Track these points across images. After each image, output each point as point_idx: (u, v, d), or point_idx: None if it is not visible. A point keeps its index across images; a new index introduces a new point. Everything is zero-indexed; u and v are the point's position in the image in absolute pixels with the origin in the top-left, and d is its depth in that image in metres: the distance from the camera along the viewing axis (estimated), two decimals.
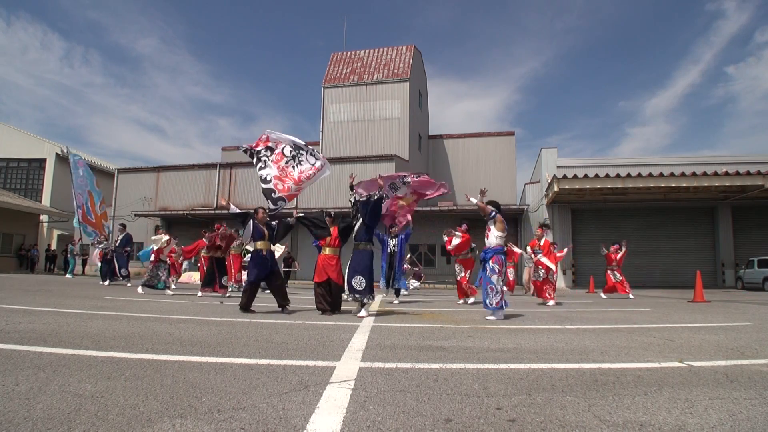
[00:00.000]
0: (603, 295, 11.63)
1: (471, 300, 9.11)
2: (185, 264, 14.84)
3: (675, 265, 18.82)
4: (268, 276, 6.45)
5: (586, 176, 16.62)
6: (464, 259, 9.62)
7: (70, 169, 16.38)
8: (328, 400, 2.12)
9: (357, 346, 3.65)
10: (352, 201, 6.95)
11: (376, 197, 6.51)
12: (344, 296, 6.99)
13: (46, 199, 27.41)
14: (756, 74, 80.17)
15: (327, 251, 6.49)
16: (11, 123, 32.70)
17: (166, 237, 10.45)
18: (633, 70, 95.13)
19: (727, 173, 15.85)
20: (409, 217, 9.73)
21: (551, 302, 8.78)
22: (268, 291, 6.97)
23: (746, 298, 11.65)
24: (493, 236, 6.32)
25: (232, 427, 1.76)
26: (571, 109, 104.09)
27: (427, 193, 10.27)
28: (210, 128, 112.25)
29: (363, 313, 6.00)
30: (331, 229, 6.57)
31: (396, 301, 9.05)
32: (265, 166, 10.86)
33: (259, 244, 6.49)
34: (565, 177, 17.07)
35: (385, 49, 27.82)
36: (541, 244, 9.39)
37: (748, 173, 15.59)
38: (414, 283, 12.33)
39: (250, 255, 11.16)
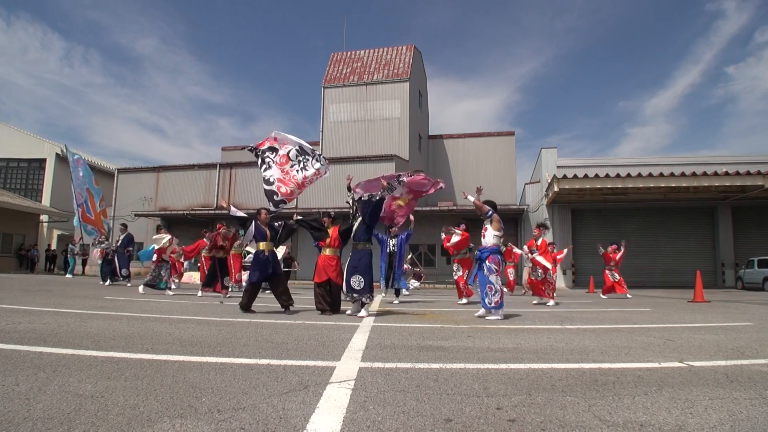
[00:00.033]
0: (603, 296, 11.63)
1: (464, 300, 9.09)
2: (185, 264, 14.83)
3: (675, 265, 18.82)
4: (270, 277, 6.45)
5: (586, 176, 16.62)
6: (462, 259, 9.61)
7: (69, 168, 16.39)
8: (328, 400, 2.12)
9: (357, 346, 3.65)
10: (351, 202, 6.92)
11: (377, 198, 6.51)
12: (343, 297, 6.99)
13: (46, 199, 27.41)
14: (756, 74, 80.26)
15: (327, 252, 6.49)
16: (11, 123, 32.73)
17: (168, 236, 10.45)
18: (633, 70, 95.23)
19: (727, 173, 15.85)
20: (412, 217, 9.72)
21: (551, 302, 8.78)
22: (268, 291, 6.99)
23: (746, 298, 11.65)
24: (490, 235, 6.31)
25: (232, 427, 1.76)
26: (571, 109, 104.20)
27: (423, 191, 10.27)
28: (210, 128, 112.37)
29: (363, 313, 6.00)
30: (331, 229, 6.56)
31: (396, 301, 9.04)
32: (269, 168, 10.87)
33: (262, 245, 6.50)
34: (565, 177, 17.07)
35: (385, 49, 27.82)
36: (538, 244, 9.39)
37: (748, 173, 15.59)
38: (414, 283, 12.34)
39: (250, 256, 11.20)
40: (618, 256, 11.84)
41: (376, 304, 7.74)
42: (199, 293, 9.88)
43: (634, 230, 19.01)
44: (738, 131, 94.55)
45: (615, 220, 19.52)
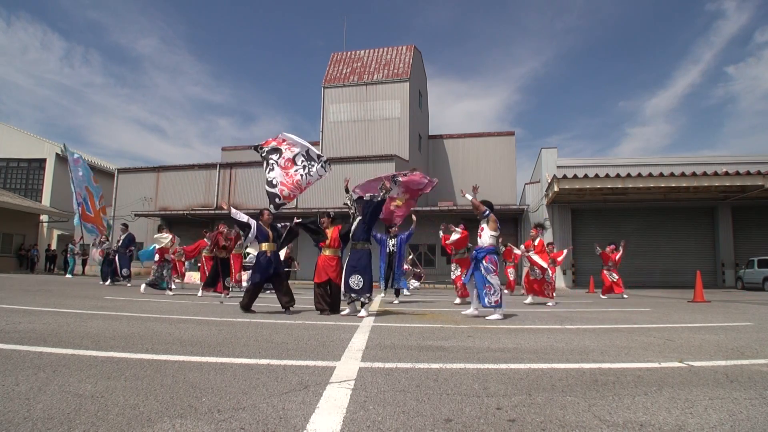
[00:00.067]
0: (603, 296, 11.63)
1: (458, 301, 9.07)
2: (186, 264, 14.83)
3: (675, 265, 18.82)
4: (273, 278, 6.46)
5: (586, 176, 16.63)
6: (461, 259, 9.60)
7: (68, 166, 16.41)
8: (328, 400, 2.12)
9: (357, 346, 3.65)
10: (349, 203, 6.90)
11: (379, 199, 6.52)
12: (342, 297, 6.99)
13: (46, 199, 27.42)
14: (756, 74, 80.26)
15: (327, 252, 6.49)
16: (11, 123, 32.74)
17: (170, 236, 10.45)
18: (633, 70, 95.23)
19: (727, 173, 15.85)
20: (414, 217, 9.73)
21: (551, 302, 8.78)
22: (269, 291, 7.00)
23: (746, 298, 11.65)
24: (486, 235, 6.29)
25: (232, 427, 1.76)
26: (571, 109, 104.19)
27: (419, 189, 10.29)
28: (210, 128, 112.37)
29: (363, 312, 6.00)
30: (331, 230, 6.56)
31: (396, 302, 9.04)
32: (272, 170, 10.89)
33: (264, 246, 6.51)
34: (565, 177, 17.07)
35: (385, 49, 27.82)
36: (536, 244, 9.38)
37: (748, 173, 15.60)
38: (414, 283, 12.34)
39: (250, 256, 11.21)
40: (617, 257, 11.84)
41: (376, 304, 7.74)
42: (200, 293, 9.88)
43: (634, 230, 19.01)
44: (738, 131, 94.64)
45: (615, 220, 19.52)
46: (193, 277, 16.40)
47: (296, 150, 10.93)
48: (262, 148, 11.10)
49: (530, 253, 9.27)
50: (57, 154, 27.51)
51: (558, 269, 13.07)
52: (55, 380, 2.37)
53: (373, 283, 6.40)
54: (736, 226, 18.68)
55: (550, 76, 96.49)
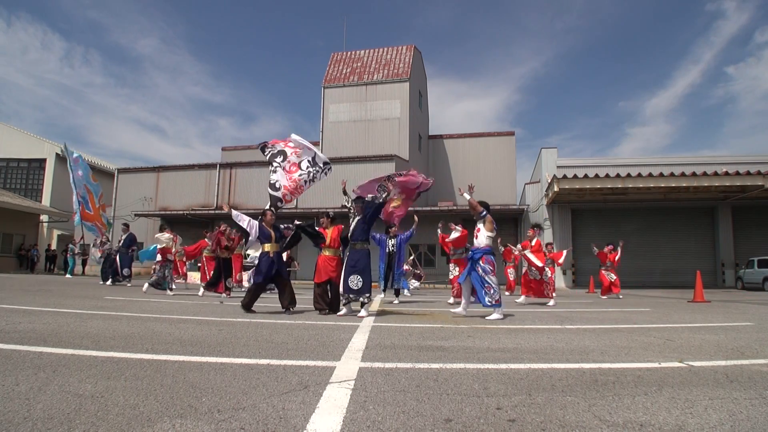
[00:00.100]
0: (602, 296, 11.63)
1: (451, 300, 9.09)
2: (186, 264, 14.84)
3: (675, 265, 18.82)
4: (275, 278, 6.47)
5: (586, 176, 16.63)
6: (459, 259, 9.59)
7: (68, 166, 16.41)
8: (328, 400, 2.12)
9: (357, 346, 3.65)
10: (348, 204, 6.89)
11: (380, 200, 6.53)
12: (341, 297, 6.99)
13: (46, 199, 27.42)
14: (756, 74, 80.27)
15: (327, 252, 6.50)
16: (11, 123, 32.78)
17: (170, 235, 10.45)
18: (633, 70, 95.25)
19: (727, 173, 15.86)
20: (416, 218, 9.73)
21: (551, 302, 8.78)
22: (270, 291, 7.00)
23: (746, 298, 11.65)
24: (483, 236, 6.28)
25: (232, 427, 1.76)
26: (571, 109, 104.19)
27: (414, 188, 10.28)
28: (210, 128, 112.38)
29: (363, 312, 6.00)
30: (330, 230, 6.57)
31: (396, 302, 9.04)
32: (276, 172, 10.89)
33: (266, 247, 6.51)
34: (565, 177, 17.07)
35: (385, 49, 27.83)
36: (533, 244, 9.37)
37: (748, 173, 15.60)
38: (414, 283, 12.34)
39: (251, 257, 11.21)
40: (616, 257, 11.84)
41: (375, 304, 7.74)
42: (201, 292, 9.88)
43: (634, 230, 19.01)
44: (738, 131, 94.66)
45: (615, 220, 19.52)
46: (194, 277, 16.41)
47: (303, 155, 10.92)
48: (267, 148, 11.10)
49: (526, 251, 9.27)
50: (57, 154, 27.53)
51: (558, 269, 13.06)
52: (55, 380, 2.37)
53: (373, 283, 6.40)
54: (736, 226, 18.68)
55: (550, 76, 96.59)
